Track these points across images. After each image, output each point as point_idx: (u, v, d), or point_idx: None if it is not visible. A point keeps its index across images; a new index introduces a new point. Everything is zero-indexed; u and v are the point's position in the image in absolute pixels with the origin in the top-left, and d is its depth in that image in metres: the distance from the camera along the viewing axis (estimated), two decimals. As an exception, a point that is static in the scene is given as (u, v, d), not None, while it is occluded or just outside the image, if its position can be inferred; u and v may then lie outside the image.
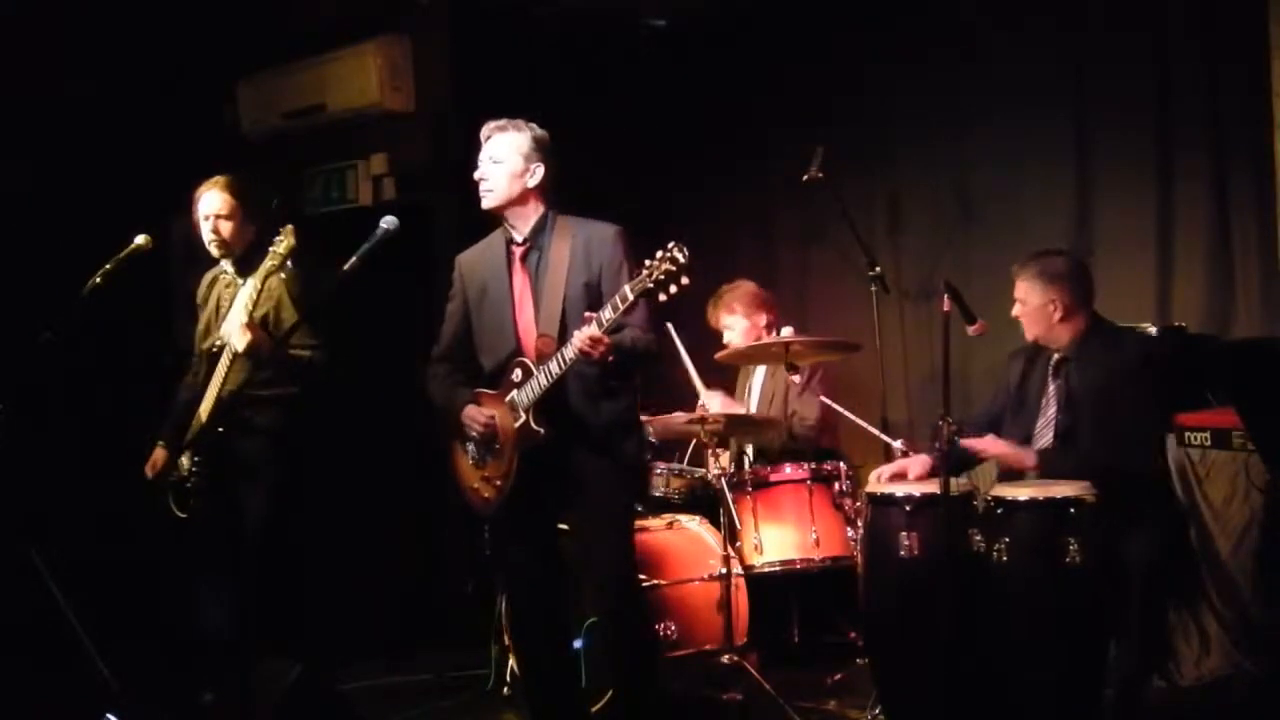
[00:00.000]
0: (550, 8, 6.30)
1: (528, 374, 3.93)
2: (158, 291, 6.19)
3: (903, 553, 4.13)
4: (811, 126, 5.84)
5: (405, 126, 6.45)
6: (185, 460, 4.60)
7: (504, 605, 4.68)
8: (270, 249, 4.47)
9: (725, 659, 4.74)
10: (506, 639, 4.84)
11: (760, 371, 5.67)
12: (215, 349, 4.64)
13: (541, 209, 4.05)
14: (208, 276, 4.89)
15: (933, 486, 4.10)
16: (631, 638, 4.08)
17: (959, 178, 5.73)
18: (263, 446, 4.61)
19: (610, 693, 4.43)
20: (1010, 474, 4.37)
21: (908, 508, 4.16)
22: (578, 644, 4.54)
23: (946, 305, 4.16)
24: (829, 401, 5.34)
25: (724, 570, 4.82)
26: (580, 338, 3.74)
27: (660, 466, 5.32)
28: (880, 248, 5.72)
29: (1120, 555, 3.98)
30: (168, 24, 6.18)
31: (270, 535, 4.60)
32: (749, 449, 5.61)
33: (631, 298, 3.68)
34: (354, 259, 3.72)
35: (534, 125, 4.04)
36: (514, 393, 3.95)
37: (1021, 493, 4.01)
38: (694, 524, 5.15)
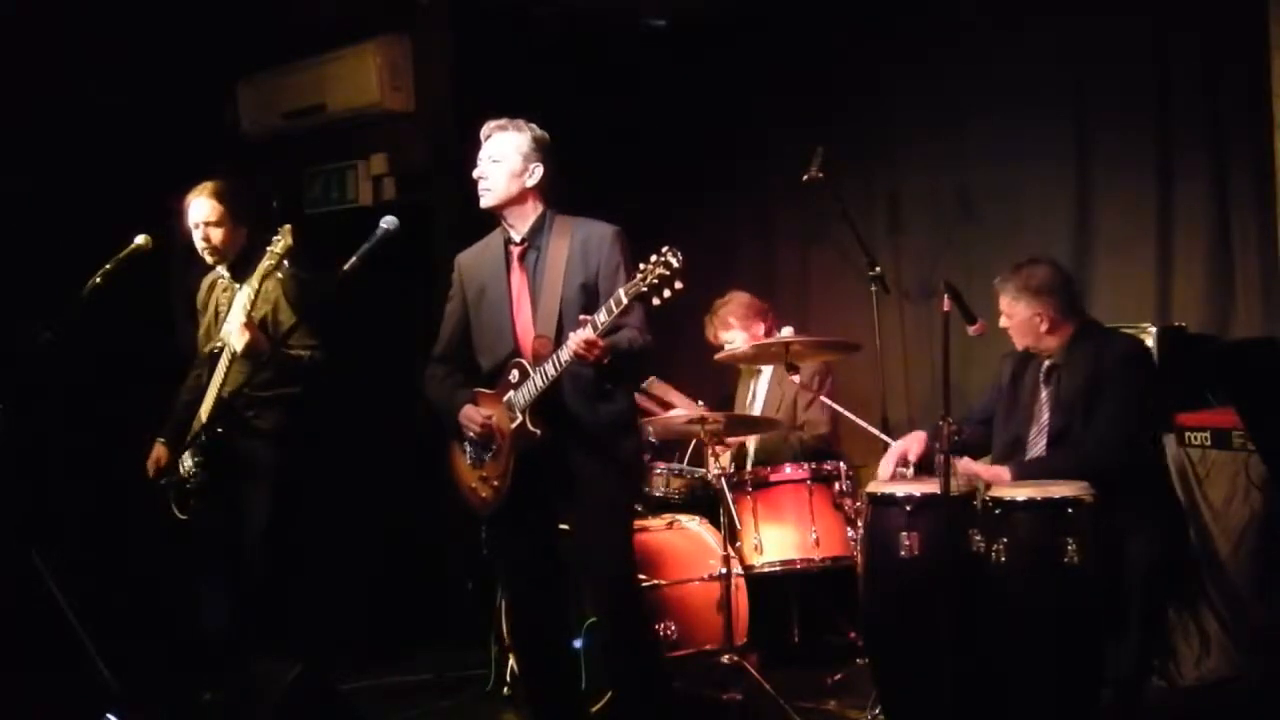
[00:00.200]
0: (550, 8, 6.30)
1: (525, 375, 3.93)
2: (158, 291, 6.19)
3: (903, 553, 4.13)
4: (811, 126, 5.83)
5: (405, 126, 6.44)
6: (186, 461, 4.61)
7: (504, 605, 4.69)
8: (267, 249, 4.48)
9: (725, 659, 4.74)
10: (506, 639, 4.84)
11: (765, 378, 5.67)
12: (215, 351, 4.65)
13: (540, 209, 4.04)
14: (206, 281, 4.90)
15: (933, 486, 4.10)
16: (631, 638, 4.07)
17: (959, 178, 5.73)
18: (263, 447, 4.63)
19: (610, 693, 4.43)
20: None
21: (908, 508, 4.16)
22: (578, 644, 4.54)
23: (946, 305, 4.16)
24: (829, 401, 5.34)
25: (724, 570, 4.83)
26: (575, 340, 3.75)
27: (660, 466, 5.32)
28: (880, 248, 5.72)
29: (1120, 555, 3.98)
30: (168, 24, 6.16)
31: (270, 535, 4.61)
32: (750, 448, 5.60)
33: (625, 301, 3.68)
34: (354, 259, 3.73)
35: (534, 125, 4.04)
36: (511, 393, 3.95)
37: (1020, 493, 4.01)
38: (694, 524, 5.15)
